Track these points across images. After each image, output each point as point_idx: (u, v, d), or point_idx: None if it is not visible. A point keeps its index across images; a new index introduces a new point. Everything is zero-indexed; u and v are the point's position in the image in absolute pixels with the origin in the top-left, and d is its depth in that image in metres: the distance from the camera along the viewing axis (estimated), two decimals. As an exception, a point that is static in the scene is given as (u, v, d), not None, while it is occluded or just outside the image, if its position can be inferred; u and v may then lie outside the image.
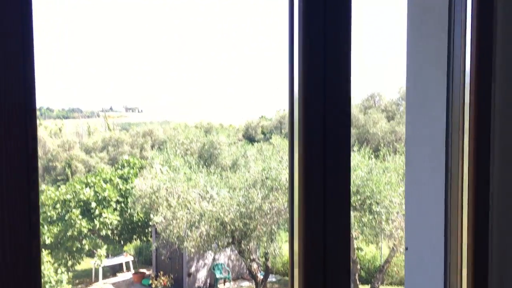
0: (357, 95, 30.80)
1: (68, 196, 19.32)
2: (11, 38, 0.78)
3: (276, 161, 14.48)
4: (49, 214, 18.90)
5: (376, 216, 12.52)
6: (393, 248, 13.32)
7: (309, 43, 1.19)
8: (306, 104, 1.19)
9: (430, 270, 1.55)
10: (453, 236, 1.51)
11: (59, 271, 16.81)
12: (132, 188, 18.39)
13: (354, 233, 12.87)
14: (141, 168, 20.89)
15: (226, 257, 18.22)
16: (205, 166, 19.72)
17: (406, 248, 1.58)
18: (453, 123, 1.56)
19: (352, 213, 12.66)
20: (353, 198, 12.47)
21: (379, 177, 12.70)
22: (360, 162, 13.16)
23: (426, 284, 1.58)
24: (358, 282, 13.59)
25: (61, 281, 16.45)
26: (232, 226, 14.17)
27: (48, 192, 19.96)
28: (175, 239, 14.65)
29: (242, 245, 14.63)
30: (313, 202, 1.19)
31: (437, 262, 1.52)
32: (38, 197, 0.78)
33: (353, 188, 12.54)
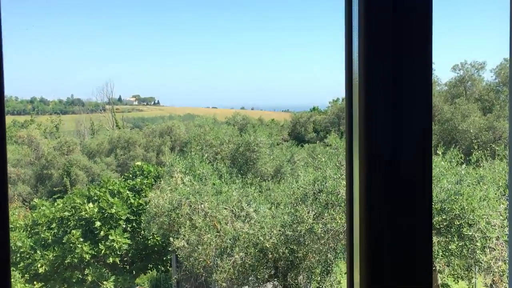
0: (442, 76, 30.12)
1: (67, 213, 19.84)
2: None
3: (333, 168, 14.34)
4: (42, 235, 19.47)
5: (467, 242, 12.21)
6: (491, 285, 12.95)
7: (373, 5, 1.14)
8: (369, 91, 1.14)
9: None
10: None
11: (55, 308, 17.27)
12: (146, 203, 18.67)
13: (437, 265, 12.60)
14: (158, 177, 21.20)
15: (267, 293, 18.24)
16: (239, 175, 19.84)
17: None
18: None
19: (435, 239, 12.40)
20: (436, 218, 12.21)
21: (471, 190, 12.38)
22: (445, 170, 12.87)
23: None
24: (443, 330, 13.30)
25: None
26: (275, 254, 14.15)
27: (41, 208, 20.57)
28: (202, 270, 14.76)
29: (289, 279, 14.58)
30: (379, 223, 1.15)
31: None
32: (8, 215, 0.73)
33: (436, 205, 12.28)
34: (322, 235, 13.38)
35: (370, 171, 1.15)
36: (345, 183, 13.50)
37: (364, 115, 1.15)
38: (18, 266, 18.62)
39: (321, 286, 14.16)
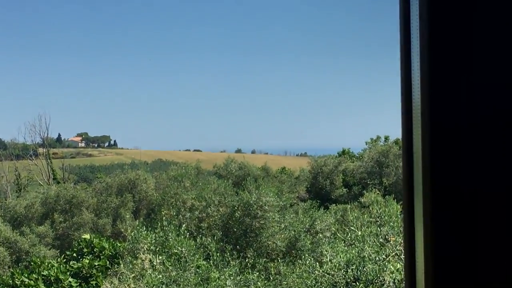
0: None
1: (-20, 312, 19.61)
2: None
3: (375, 244, 14.32)
4: None
5: None
6: None
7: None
8: (435, 124, 1.18)
9: None
10: None
11: None
12: (98, 296, 18.48)
13: None
14: (115, 257, 21.01)
15: None
16: (235, 253, 19.64)
17: None
18: None
19: None
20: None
21: None
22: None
23: None
24: None
25: None
26: None
27: None
28: None
29: None
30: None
31: None
32: None
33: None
34: None
35: (440, 246, 1.19)
36: (392, 267, 13.38)
37: (431, 167, 1.17)
38: None
39: None
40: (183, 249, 17.43)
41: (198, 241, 18.86)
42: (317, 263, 15.48)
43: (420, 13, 1.28)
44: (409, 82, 1.31)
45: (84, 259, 22.13)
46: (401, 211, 18.69)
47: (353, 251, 14.31)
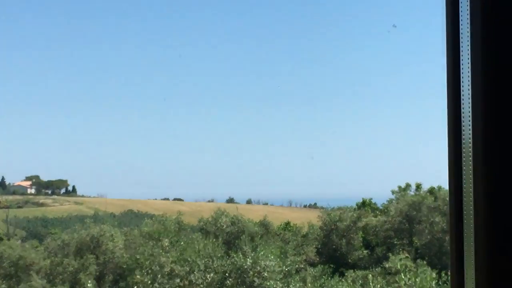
0: None
1: None
2: None
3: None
4: None
5: None
6: None
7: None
8: (492, 169, 1.48)
9: None
10: None
11: None
12: None
13: None
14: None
15: None
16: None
17: None
18: None
19: None
20: None
21: None
22: None
23: None
24: None
25: None
26: None
27: None
28: None
29: None
30: None
31: None
32: None
33: None
34: None
35: None
36: None
37: (487, 217, 1.39)
38: None
39: None
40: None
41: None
42: None
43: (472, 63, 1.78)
44: (459, 117, 1.66)
45: None
46: (438, 281, 18.31)
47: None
